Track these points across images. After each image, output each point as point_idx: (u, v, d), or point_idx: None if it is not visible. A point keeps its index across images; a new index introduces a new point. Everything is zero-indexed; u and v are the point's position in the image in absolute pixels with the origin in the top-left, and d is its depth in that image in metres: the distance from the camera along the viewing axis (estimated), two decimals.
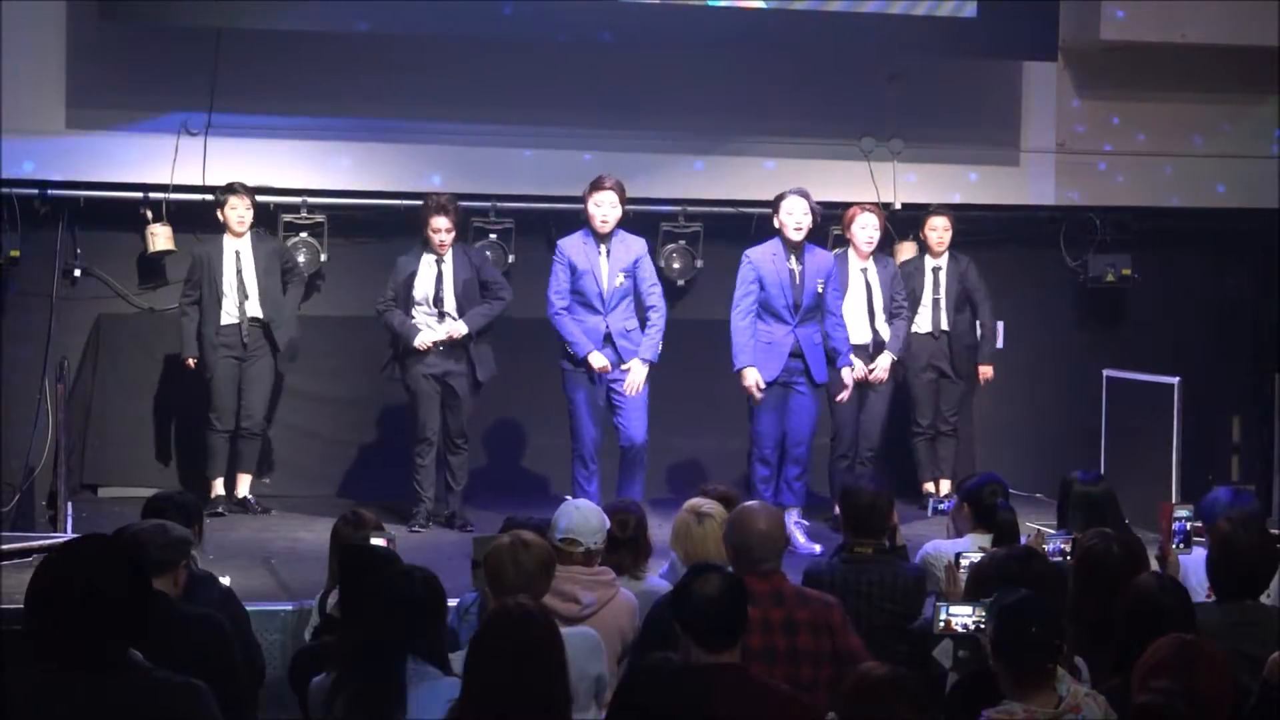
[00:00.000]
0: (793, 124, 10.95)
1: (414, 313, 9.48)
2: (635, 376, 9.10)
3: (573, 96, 10.63)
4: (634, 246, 9.25)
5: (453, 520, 9.52)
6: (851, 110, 11.10)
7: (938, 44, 10.74)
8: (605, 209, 9.10)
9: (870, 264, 9.85)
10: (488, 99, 10.52)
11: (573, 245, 9.21)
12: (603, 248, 9.15)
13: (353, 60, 10.33)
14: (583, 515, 5.90)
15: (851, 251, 9.82)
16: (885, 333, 9.81)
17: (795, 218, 9.04)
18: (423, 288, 9.47)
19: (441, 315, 9.46)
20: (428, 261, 9.50)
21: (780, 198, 9.14)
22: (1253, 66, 11.25)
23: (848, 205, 11.12)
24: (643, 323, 9.25)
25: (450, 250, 9.52)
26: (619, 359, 9.14)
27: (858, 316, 9.72)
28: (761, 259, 9.11)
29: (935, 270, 10.34)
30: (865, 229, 9.78)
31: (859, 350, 9.65)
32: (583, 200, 9.19)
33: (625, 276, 9.16)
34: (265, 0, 9.97)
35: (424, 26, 10.10)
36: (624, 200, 9.18)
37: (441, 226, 9.45)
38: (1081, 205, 11.52)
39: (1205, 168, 11.61)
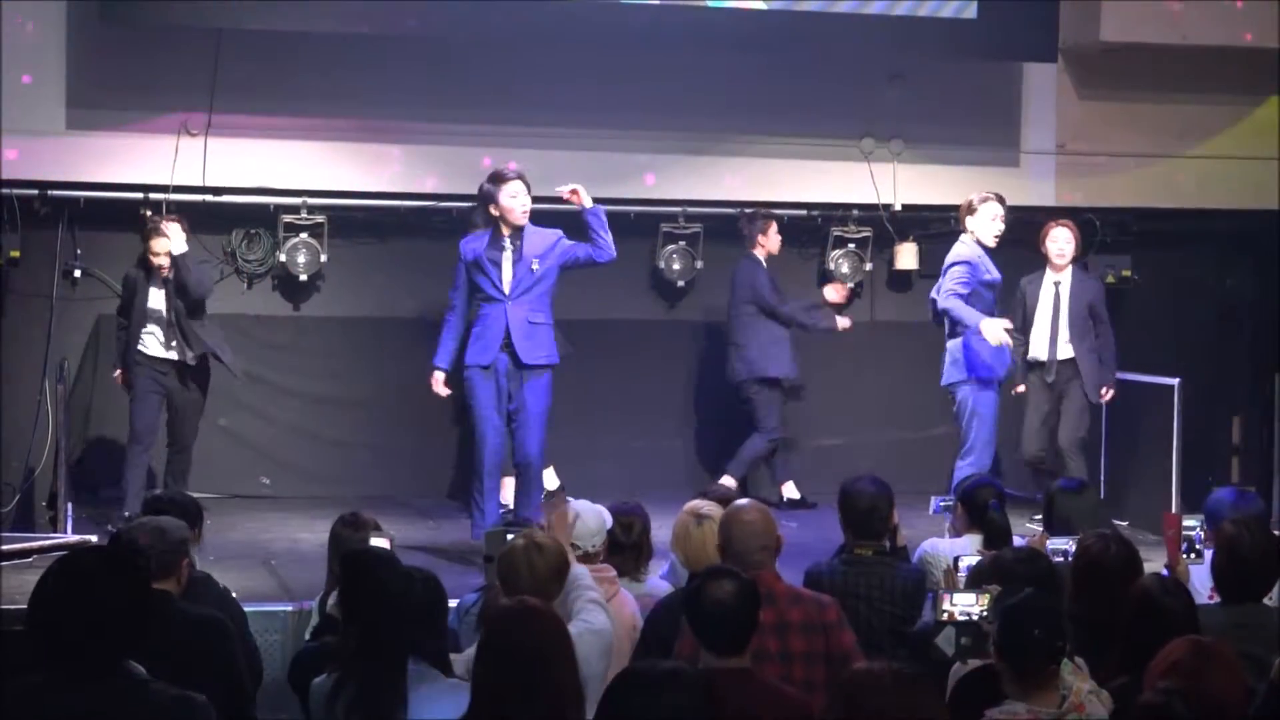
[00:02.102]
0: (793, 124, 10.95)
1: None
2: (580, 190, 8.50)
3: (573, 97, 10.62)
4: (548, 236, 8.52)
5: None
6: (851, 110, 11.10)
7: (938, 44, 10.73)
8: (522, 198, 8.41)
9: (1065, 277, 9.76)
10: (488, 99, 10.52)
11: (472, 246, 8.50)
12: (510, 244, 8.41)
13: (353, 60, 10.32)
14: (581, 519, 5.89)
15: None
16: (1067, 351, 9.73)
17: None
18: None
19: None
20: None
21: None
22: (1253, 67, 11.25)
23: (848, 205, 11.15)
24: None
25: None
26: (512, 364, 8.40)
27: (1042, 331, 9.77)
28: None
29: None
30: (1056, 242, 9.71)
31: (1037, 365, 9.76)
32: (489, 199, 8.47)
33: (539, 263, 8.41)
34: (265, 0, 9.97)
35: (424, 27, 10.09)
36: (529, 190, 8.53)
37: (160, 249, 9.15)
38: (1081, 206, 11.51)
39: (1205, 168, 11.61)
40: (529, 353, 8.38)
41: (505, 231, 8.44)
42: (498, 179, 8.48)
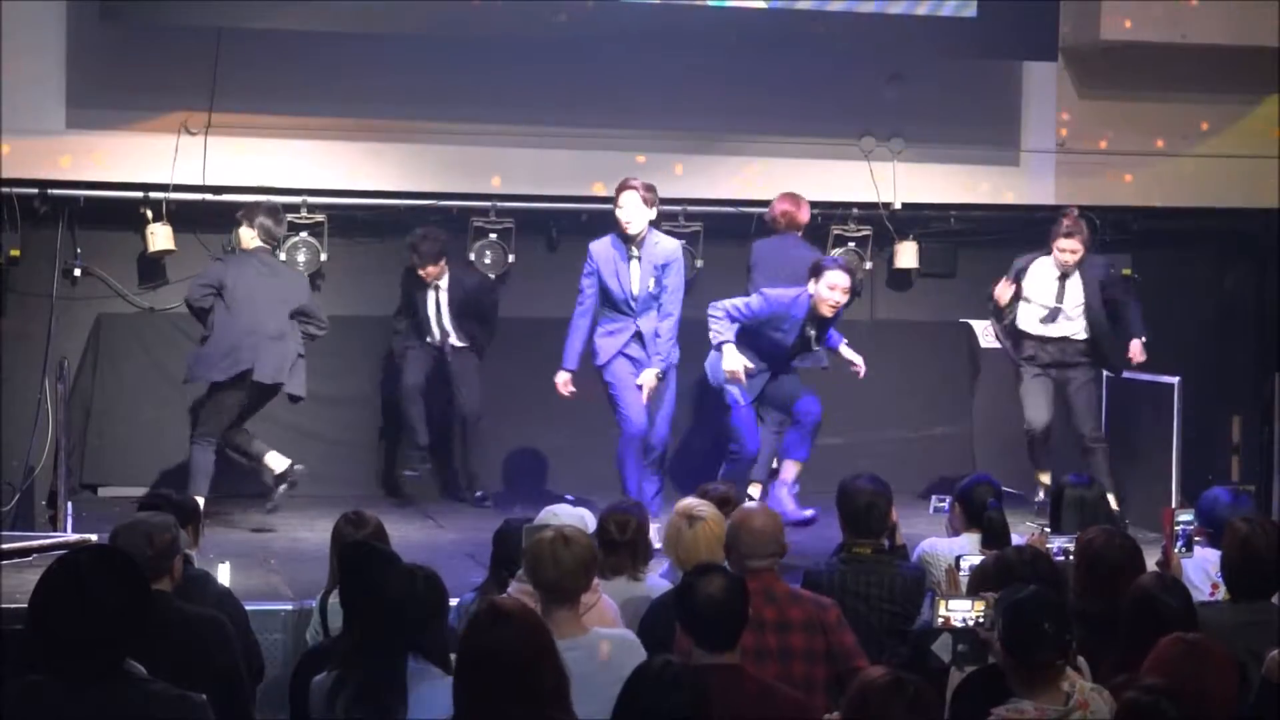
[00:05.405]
0: (793, 124, 10.95)
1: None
2: (645, 381, 8.99)
3: (573, 96, 10.63)
4: (668, 248, 9.09)
5: None
6: (851, 110, 11.10)
7: (938, 44, 10.73)
8: (628, 210, 8.93)
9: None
10: (488, 99, 10.52)
11: (599, 249, 9.09)
12: (632, 250, 8.99)
13: (353, 60, 10.33)
14: (560, 523, 5.86)
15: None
16: None
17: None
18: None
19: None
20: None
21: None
22: (1253, 66, 11.25)
23: (848, 205, 11.14)
24: None
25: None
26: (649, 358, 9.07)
27: None
28: None
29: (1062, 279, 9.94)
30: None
31: None
32: (607, 200, 9.14)
33: (656, 281, 9.00)
34: (265, 0, 9.97)
35: (424, 27, 10.09)
36: (651, 200, 9.00)
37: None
38: (1081, 205, 11.50)
39: (1205, 168, 11.61)
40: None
41: (624, 238, 8.97)
42: (617, 186, 9.00)
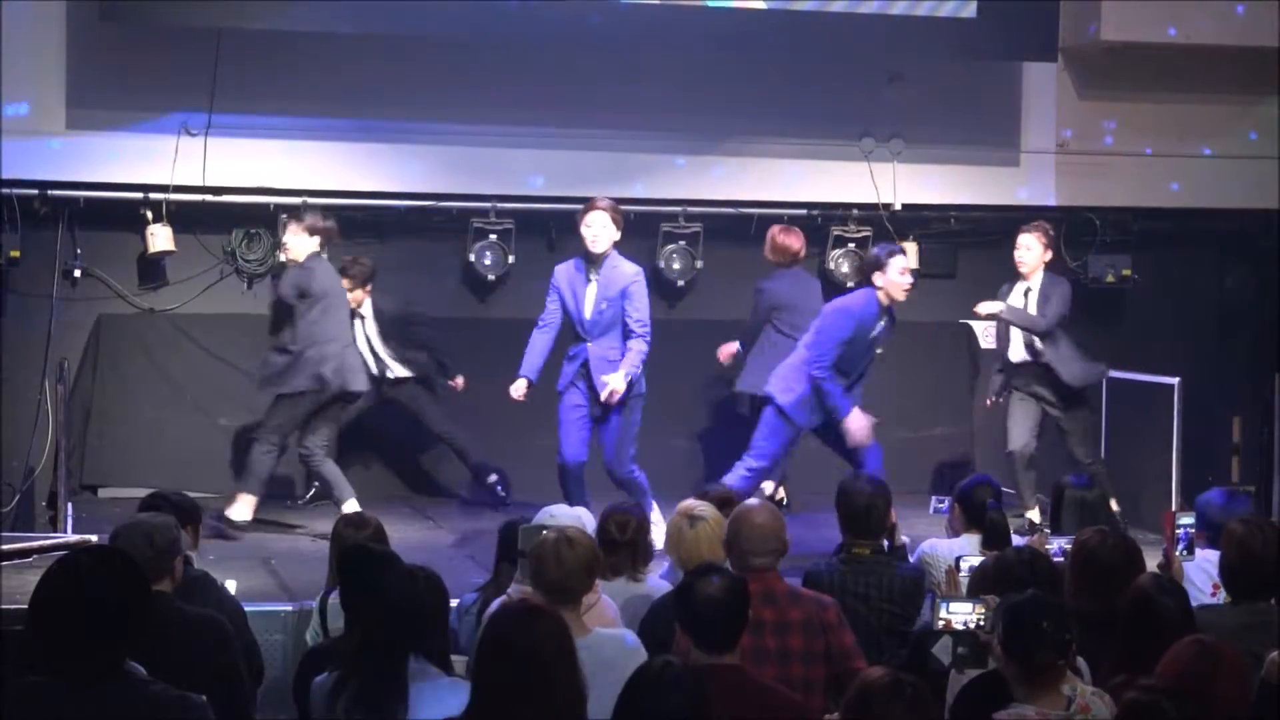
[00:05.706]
0: (793, 124, 10.95)
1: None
2: (611, 382, 8.84)
3: (573, 96, 10.63)
4: (625, 274, 8.89)
5: None
6: (851, 110, 11.11)
7: (938, 44, 10.74)
8: (595, 229, 8.80)
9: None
10: (488, 99, 10.53)
11: (561, 270, 9.02)
12: (592, 273, 8.87)
13: (353, 60, 10.33)
14: (558, 524, 5.87)
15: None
16: None
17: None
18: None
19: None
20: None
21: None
22: (1253, 66, 11.25)
23: (848, 205, 11.14)
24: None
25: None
26: (589, 386, 8.93)
27: None
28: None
29: (1027, 293, 9.78)
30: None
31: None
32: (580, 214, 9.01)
33: (609, 305, 8.85)
34: (265, 0, 9.97)
35: (424, 27, 10.10)
36: (619, 221, 8.88)
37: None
38: (1081, 205, 11.52)
39: (1205, 168, 11.62)
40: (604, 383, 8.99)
41: (587, 260, 8.91)
42: (584, 206, 8.92)
